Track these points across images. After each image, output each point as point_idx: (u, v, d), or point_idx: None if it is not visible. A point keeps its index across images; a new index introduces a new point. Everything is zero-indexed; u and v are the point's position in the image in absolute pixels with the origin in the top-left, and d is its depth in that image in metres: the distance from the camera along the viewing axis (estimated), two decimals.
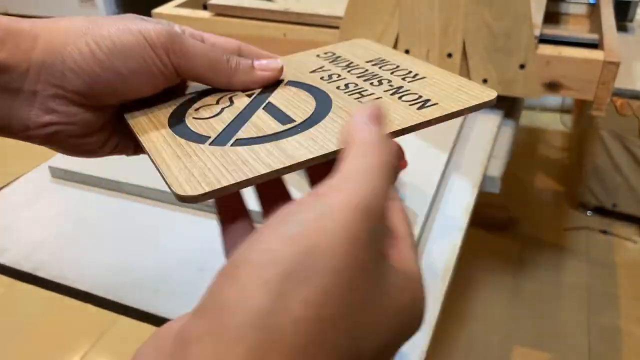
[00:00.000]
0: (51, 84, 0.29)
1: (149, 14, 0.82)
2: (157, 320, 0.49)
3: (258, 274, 0.18)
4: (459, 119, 0.74)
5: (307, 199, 0.20)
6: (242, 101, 0.33)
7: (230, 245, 0.29)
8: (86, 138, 0.32)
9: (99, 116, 0.32)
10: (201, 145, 0.29)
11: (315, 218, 0.19)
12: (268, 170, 0.26)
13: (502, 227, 1.68)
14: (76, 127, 0.31)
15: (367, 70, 0.37)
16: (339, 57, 0.40)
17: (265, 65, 0.34)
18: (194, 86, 0.35)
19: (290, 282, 0.17)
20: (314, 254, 0.18)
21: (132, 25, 0.30)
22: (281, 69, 0.34)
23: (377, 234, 0.20)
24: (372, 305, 0.19)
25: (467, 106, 0.31)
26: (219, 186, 0.26)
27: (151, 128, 0.31)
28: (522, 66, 0.73)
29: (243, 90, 0.34)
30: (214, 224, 0.58)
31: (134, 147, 0.35)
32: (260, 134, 0.29)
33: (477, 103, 0.31)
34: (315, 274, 0.18)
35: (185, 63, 0.31)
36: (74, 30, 0.29)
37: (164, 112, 0.32)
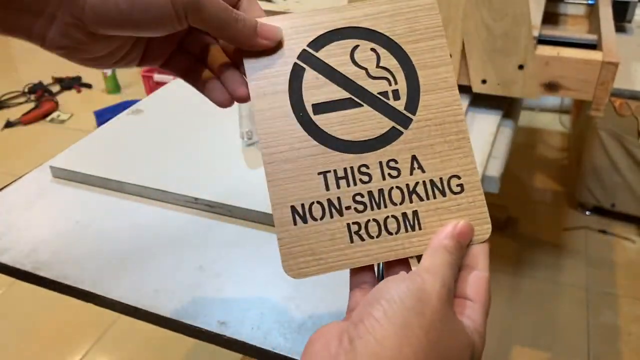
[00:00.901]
0: (70, 14, 0.30)
1: None
2: (157, 320, 0.49)
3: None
4: None
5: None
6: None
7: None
8: (96, 58, 0.34)
9: (112, 42, 0.33)
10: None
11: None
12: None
13: (501, 227, 1.69)
14: (89, 49, 0.33)
15: None
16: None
17: (266, 33, 0.35)
18: None
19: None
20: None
21: None
22: (280, 41, 0.36)
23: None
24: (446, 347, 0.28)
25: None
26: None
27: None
28: (521, 67, 0.74)
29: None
30: (214, 224, 0.59)
31: (140, 59, 0.37)
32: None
33: None
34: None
35: (200, 22, 0.33)
36: None
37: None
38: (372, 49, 0.37)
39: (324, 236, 0.35)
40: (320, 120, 0.36)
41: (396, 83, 0.36)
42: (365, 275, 0.35)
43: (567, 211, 1.78)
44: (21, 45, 3.19)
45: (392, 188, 0.35)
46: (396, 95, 0.36)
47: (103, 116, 2.24)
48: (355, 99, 0.36)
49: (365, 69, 0.36)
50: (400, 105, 0.36)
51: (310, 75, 0.36)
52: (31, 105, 2.48)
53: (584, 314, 1.43)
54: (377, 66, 0.36)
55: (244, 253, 0.55)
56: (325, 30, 0.36)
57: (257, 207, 0.58)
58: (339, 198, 0.35)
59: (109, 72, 2.52)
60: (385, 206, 0.35)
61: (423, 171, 0.35)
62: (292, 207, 0.35)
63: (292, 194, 0.35)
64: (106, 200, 0.63)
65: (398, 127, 0.36)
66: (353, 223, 0.35)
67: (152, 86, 2.26)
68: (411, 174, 0.35)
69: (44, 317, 1.44)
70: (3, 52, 3.12)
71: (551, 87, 0.75)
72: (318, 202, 0.35)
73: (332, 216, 0.35)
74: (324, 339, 0.29)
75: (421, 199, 0.35)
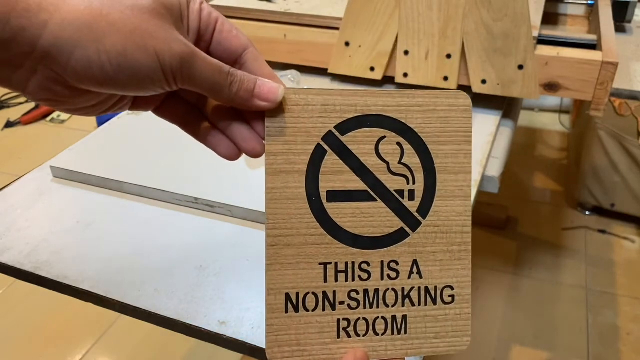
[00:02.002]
0: (51, 70, 0.28)
1: None
2: (157, 319, 0.49)
3: None
4: None
5: None
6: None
7: None
8: (83, 108, 0.32)
9: (98, 96, 0.31)
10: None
11: None
12: None
13: (501, 227, 1.69)
14: (73, 102, 0.31)
15: None
16: None
17: (265, 95, 0.33)
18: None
19: None
20: None
21: (149, 41, 0.29)
22: (280, 101, 0.33)
23: None
24: None
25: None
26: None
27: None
28: (520, 67, 0.74)
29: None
30: (214, 223, 0.59)
31: (131, 106, 0.35)
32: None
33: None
34: None
35: (191, 85, 0.31)
36: (88, 29, 0.28)
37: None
38: (398, 143, 0.35)
39: (312, 328, 0.34)
40: (332, 209, 0.34)
41: (414, 183, 0.35)
42: None
43: (566, 211, 1.79)
44: None
45: (387, 289, 0.35)
46: (411, 195, 0.35)
47: (103, 116, 2.23)
48: (372, 192, 0.35)
49: (387, 163, 0.35)
50: (413, 207, 0.35)
51: (331, 160, 0.34)
52: (31, 105, 2.48)
53: (584, 313, 1.43)
54: (400, 162, 0.35)
55: (244, 253, 0.55)
56: (356, 115, 0.34)
57: (257, 207, 0.58)
58: (334, 292, 0.34)
59: None
60: (378, 306, 0.35)
61: (420, 277, 0.35)
62: (287, 295, 0.34)
63: (289, 281, 0.34)
64: (106, 200, 0.63)
65: (406, 228, 0.35)
66: (343, 319, 0.34)
67: None
68: (409, 277, 0.35)
69: (44, 317, 1.45)
70: None
71: (551, 87, 0.75)
72: (313, 293, 0.34)
73: (324, 309, 0.34)
74: None
75: (413, 304, 0.35)
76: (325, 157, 0.34)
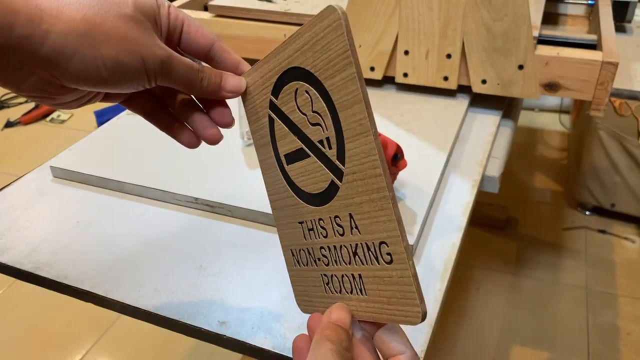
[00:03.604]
0: (51, 74, 0.31)
1: None
2: (157, 319, 0.49)
3: None
4: (458, 120, 0.75)
5: None
6: None
7: None
8: (65, 103, 0.35)
9: (82, 92, 0.35)
10: None
11: None
12: None
13: (501, 227, 1.69)
14: (61, 99, 0.34)
15: None
16: None
17: (230, 87, 0.37)
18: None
19: None
20: None
21: (136, 47, 0.32)
22: (244, 92, 0.38)
23: None
24: None
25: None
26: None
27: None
28: (520, 67, 0.74)
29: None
30: (214, 223, 0.59)
31: (102, 99, 0.38)
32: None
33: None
34: None
35: (168, 82, 0.35)
36: (85, 38, 0.31)
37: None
38: (306, 91, 0.33)
39: (311, 281, 0.37)
40: (291, 171, 0.36)
41: (327, 129, 0.32)
42: None
43: (567, 211, 1.79)
44: None
45: (341, 246, 0.34)
46: (329, 143, 0.32)
47: (103, 116, 2.24)
48: (305, 149, 0.34)
49: (306, 115, 0.33)
50: (333, 155, 0.32)
51: (278, 126, 0.36)
52: (31, 105, 2.48)
53: (584, 313, 1.43)
54: (312, 110, 0.33)
55: (244, 253, 0.55)
56: (277, 75, 0.35)
57: (257, 207, 0.58)
58: (312, 248, 0.36)
59: None
60: (340, 264, 0.34)
61: (359, 232, 0.32)
62: (292, 251, 0.38)
63: (288, 239, 0.38)
64: (106, 200, 0.63)
65: (336, 180, 0.32)
66: (323, 274, 0.35)
67: None
68: (351, 233, 0.32)
69: (44, 317, 1.45)
70: None
71: (551, 87, 0.75)
72: (303, 250, 0.37)
73: (311, 264, 0.36)
74: None
75: (362, 263, 0.32)
76: (275, 125, 0.36)
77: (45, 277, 0.53)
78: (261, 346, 0.45)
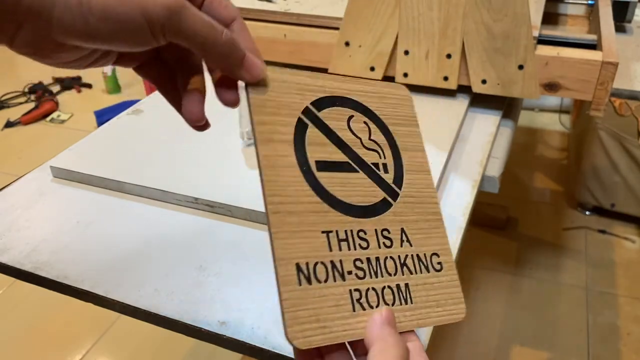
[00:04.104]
0: (37, 25, 0.28)
1: None
2: (157, 320, 0.49)
3: None
4: (458, 120, 0.75)
5: None
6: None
7: None
8: (67, 62, 0.32)
9: (82, 50, 0.31)
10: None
11: None
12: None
13: (501, 227, 1.69)
14: (57, 57, 0.31)
15: None
16: None
17: (249, 68, 0.33)
18: None
19: None
20: None
21: None
22: (263, 79, 0.35)
23: None
24: None
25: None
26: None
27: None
28: (520, 67, 0.74)
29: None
30: (214, 223, 0.59)
31: (114, 62, 0.35)
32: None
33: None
34: None
35: (180, 39, 0.30)
36: None
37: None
38: (365, 122, 0.38)
39: (328, 301, 0.32)
40: (323, 178, 0.35)
41: (385, 158, 0.38)
42: (339, 356, 0.33)
43: (567, 211, 1.79)
44: None
45: (387, 257, 0.35)
46: (385, 168, 0.38)
47: (103, 116, 2.24)
48: (353, 164, 0.37)
49: (360, 139, 0.38)
50: (389, 178, 0.38)
51: (313, 133, 0.36)
52: (31, 105, 2.49)
53: (584, 313, 1.43)
54: (369, 138, 0.38)
55: (244, 253, 0.55)
56: (326, 95, 0.37)
57: (257, 207, 0.58)
58: (341, 261, 0.33)
59: (109, 72, 2.52)
60: (382, 275, 0.34)
61: (410, 245, 0.36)
62: (297, 266, 0.32)
63: (297, 250, 0.32)
64: (106, 200, 0.63)
65: (388, 198, 0.37)
66: (355, 290, 0.33)
67: (152, 86, 2.25)
68: (401, 245, 0.36)
69: (44, 317, 1.45)
70: (3, 52, 3.12)
71: (551, 87, 0.75)
72: (322, 263, 0.33)
73: (335, 280, 0.32)
74: None
75: (411, 272, 0.36)
76: (308, 130, 0.36)
77: (45, 277, 0.53)
78: (261, 346, 0.45)
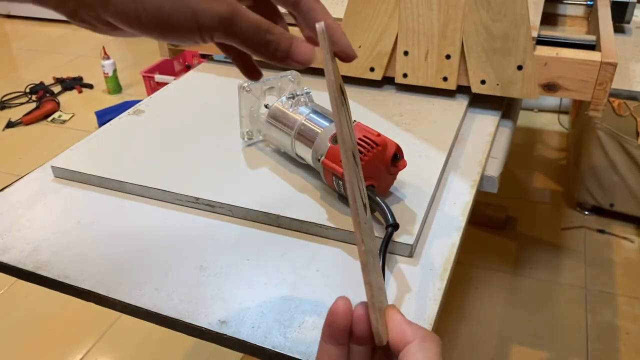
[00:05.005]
0: (93, 7, 0.29)
1: None
2: (158, 319, 0.49)
3: None
4: (457, 120, 0.75)
5: None
6: None
7: None
8: (125, 35, 0.32)
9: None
10: None
11: None
12: None
13: (500, 227, 1.69)
14: (115, 34, 0.32)
15: None
16: None
17: (297, 56, 0.33)
18: None
19: None
20: None
21: (189, 1, 0.29)
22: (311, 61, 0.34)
23: None
24: None
25: None
26: None
27: None
28: (519, 67, 0.74)
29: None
30: (214, 223, 0.59)
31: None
32: None
33: None
34: None
35: (227, 41, 0.31)
36: None
37: None
38: None
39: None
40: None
41: None
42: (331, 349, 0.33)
43: (566, 211, 1.79)
44: (22, 46, 3.20)
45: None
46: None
47: (104, 116, 2.24)
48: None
49: None
50: None
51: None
52: (32, 105, 2.49)
53: (583, 313, 1.44)
54: None
55: (244, 253, 0.55)
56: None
57: (257, 207, 0.58)
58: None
59: (110, 72, 2.52)
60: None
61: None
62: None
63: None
64: (107, 200, 0.63)
65: None
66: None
67: (153, 86, 2.26)
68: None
69: (45, 316, 1.45)
70: (4, 53, 3.13)
71: (550, 87, 0.75)
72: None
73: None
74: None
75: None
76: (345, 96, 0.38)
77: (46, 276, 0.53)
78: (262, 345, 0.46)
